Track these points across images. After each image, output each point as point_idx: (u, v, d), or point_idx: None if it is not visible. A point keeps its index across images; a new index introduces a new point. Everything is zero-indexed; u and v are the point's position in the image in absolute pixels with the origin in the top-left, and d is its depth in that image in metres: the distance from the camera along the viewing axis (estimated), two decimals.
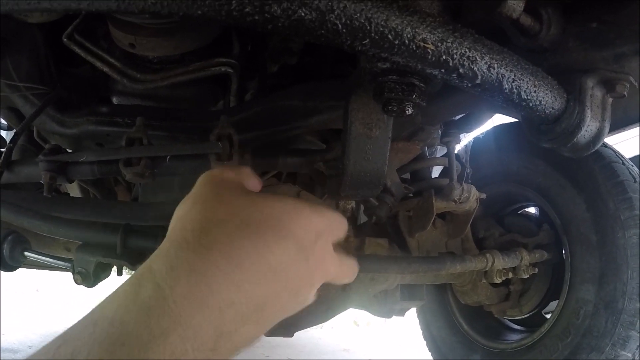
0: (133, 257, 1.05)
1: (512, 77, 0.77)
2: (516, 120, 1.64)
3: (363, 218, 1.51)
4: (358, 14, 0.53)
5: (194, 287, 0.36)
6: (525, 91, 0.80)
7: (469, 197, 1.37)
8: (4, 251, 1.27)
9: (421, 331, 2.04)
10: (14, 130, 1.83)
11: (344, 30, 0.53)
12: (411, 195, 1.43)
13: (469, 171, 1.41)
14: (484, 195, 1.44)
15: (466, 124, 1.39)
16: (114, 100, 1.31)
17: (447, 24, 0.65)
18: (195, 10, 0.50)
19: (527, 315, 1.80)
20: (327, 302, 1.27)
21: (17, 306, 2.56)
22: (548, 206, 1.64)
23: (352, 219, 1.42)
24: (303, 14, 0.50)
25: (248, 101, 1.17)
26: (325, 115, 1.07)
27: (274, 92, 1.15)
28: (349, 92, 0.84)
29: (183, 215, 0.44)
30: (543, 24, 0.89)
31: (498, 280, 1.50)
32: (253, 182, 0.54)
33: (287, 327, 1.26)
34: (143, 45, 1.11)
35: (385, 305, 1.46)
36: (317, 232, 0.47)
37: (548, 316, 1.76)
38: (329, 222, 0.50)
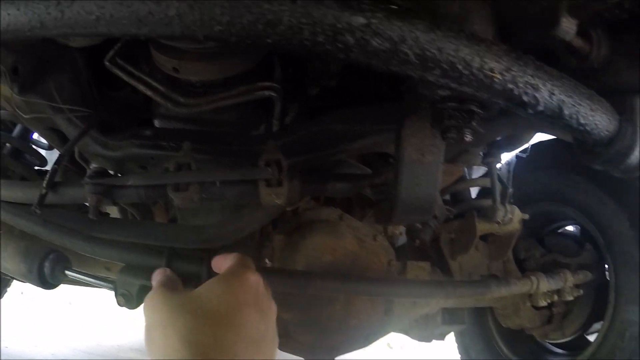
0: None
1: (572, 102, 0.75)
2: (555, 137, 1.61)
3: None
4: (429, 44, 0.52)
5: None
6: (583, 116, 0.78)
7: (512, 218, 1.34)
8: (45, 269, 1.28)
9: (459, 355, 1.99)
10: (54, 150, 1.87)
11: (416, 61, 0.52)
12: (452, 217, 1.40)
13: (511, 191, 1.38)
14: (526, 216, 1.41)
15: (508, 144, 1.37)
16: (157, 123, 1.32)
17: (511, 52, 0.64)
18: (265, 39, 0.50)
19: (569, 339, 1.75)
20: (369, 327, 1.25)
21: (50, 319, 2.58)
22: (590, 224, 1.60)
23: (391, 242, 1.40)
24: (376, 44, 0.49)
25: (293, 125, 1.17)
26: (370, 139, 1.06)
27: (316, 115, 1.15)
28: (402, 117, 0.82)
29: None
30: (593, 45, 0.87)
31: (543, 304, 1.46)
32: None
33: (329, 351, 1.24)
34: (187, 70, 1.12)
35: (426, 329, 1.43)
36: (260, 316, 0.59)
37: (591, 339, 1.72)
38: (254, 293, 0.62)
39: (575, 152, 0.98)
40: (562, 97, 0.72)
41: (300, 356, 1.27)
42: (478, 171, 1.84)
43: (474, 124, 0.70)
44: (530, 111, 0.70)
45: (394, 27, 0.49)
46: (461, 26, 0.62)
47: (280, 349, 1.26)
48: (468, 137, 0.71)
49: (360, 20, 0.48)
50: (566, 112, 0.74)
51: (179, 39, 0.55)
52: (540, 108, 0.70)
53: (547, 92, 0.69)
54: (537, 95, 0.68)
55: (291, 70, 1.25)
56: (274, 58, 1.19)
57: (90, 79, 1.38)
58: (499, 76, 0.60)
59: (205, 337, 0.51)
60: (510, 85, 0.62)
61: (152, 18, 0.55)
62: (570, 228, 1.89)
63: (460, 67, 0.55)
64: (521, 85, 0.64)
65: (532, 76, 0.66)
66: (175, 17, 0.53)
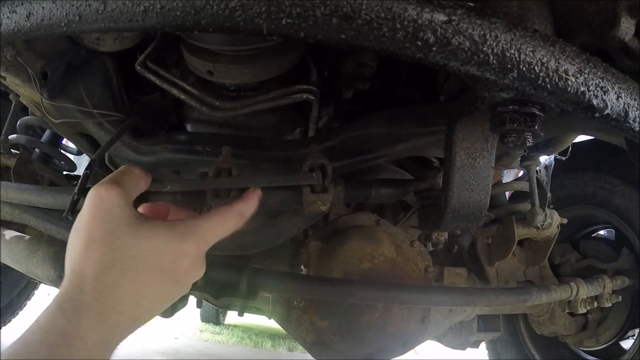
0: (214, 289, 1.02)
1: (636, 105, 0.71)
2: (591, 138, 1.57)
3: None
4: (509, 44, 0.49)
5: (92, 320, 0.53)
6: None
7: (552, 222, 1.30)
8: None
9: None
10: (83, 155, 1.87)
11: (495, 62, 0.49)
12: (487, 221, 1.36)
13: (550, 195, 1.34)
14: (565, 220, 1.37)
15: (548, 146, 1.33)
16: (189, 127, 1.30)
17: (582, 54, 0.61)
18: (339, 34, 0.47)
19: (604, 346, 1.70)
20: (406, 335, 1.22)
21: (27, 311, 2.55)
22: (627, 228, 1.55)
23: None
24: (457, 44, 0.46)
25: (333, 129, 1.14)
26: (410, 142, 1.03)
27: (351, 118, 1.12)
28: (454, 120, 0.79)
29: (78, 258, 0.57)
30: None
31: (582, 311, 1.42)
32: (138, 187, 0.67)
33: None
34: (222, 73, 1.09)
35: (460, 337, 1.40)
36: (184, 257, 0.60)
37: (625, 345, 1.67)
38: (195, 242, 0.62)
39: (629, 153, 0.95)
40: (628, 100, 0.69)
41: None
42: (509, 174, 1.80)
43: (536, 127, 0.67)
44: (597, 115, 0.67)
45: (475, 25, 0.47)
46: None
47: (315, 358, 1.23)
48: (530, 142, 0.68)
49: (441, 17, 0.45)
50: (631, 115, 0.71)
51: (239, 33, 0.50)
52: (607, 111, 0.67)
53: (614, 95, 0.66)
54: (605, 98, 0.65)
55: (326, 73, 1.23)
56: (309, 61, 1.16)
57: (121, 84, 1.37)
58: (572, 78, 0.57)
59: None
60: (582, 88, 0.59)
61: (210, 10, 0.51)
62: (601, 232, 1.84)
63: (536, 69, 0.52)
64: (592, 88, 0.61)
65: (601, 79, 0.63)
66: (237, 9, 0.49)
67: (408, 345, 1.24)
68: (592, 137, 1.54)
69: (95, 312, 0.54)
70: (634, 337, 1.63)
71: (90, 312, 0.54)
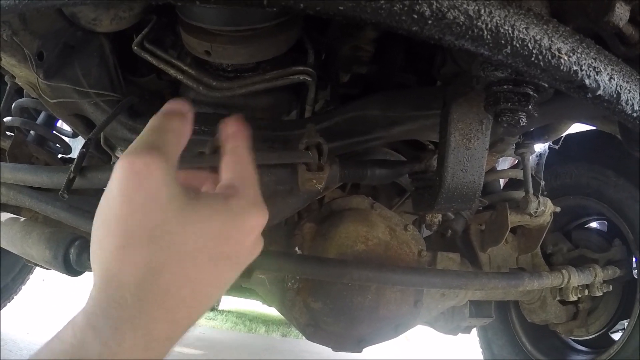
0: None
1: (628, 88, 0.73)
2: (586, 129, 1.58)
3: None
4: (502, 20, 0.50)
5: (138, 340, 0.40)
6: (637, 102, 0.76)
7: (545, 210, 1.32)
8: (71, 256, 1.27)
9: (481, 349, 1.96)
10: (78, 138, 1.86)
11: (489, 37, 0.50)
12: (481, 208, 1.38)
13: (543, 183, 1.35)
14: (558, 209, 1.38)
15: (542, 134, 1.34)
16: None
17: (575, 34, 0.61)
18: (337, 6, 0.47)
19: (593, 336, 1.72)
20: (399, 318, 1.23)
21: (23, 297, 2.54)
22: (620, 220, 1.57)
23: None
24: (452, 17, 0.47)
25: (329, 110, 1.15)
26: (406, 125, 1.03)
27: (347, 101, 1.12)
28: (449, 101, 0.80)
29: (113, 261, 0.42)
30: None
31: (573, 298, 1.44)
32: (181, 142, 0.51)
33: (357, 343, 1.23)
34: (219, 53, 1.10)
35: (452, 322, 1.41)
36: (250, 233, 0.48)
37: (614, 337, 1.69)
38: (260, 210, 0.50)
39: (622, 140, 0.96)
40: (620, 82, 0.70)
41: (329, 347, 1.26)
42: (504, 163, 1.81)
43: (529, 107, 0.68)
44: (589, 95, 0.67)
45: (469, 0, 0.47)
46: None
47: (309, 339, 1.24)
48: (523, 121, 0.69)
49: None
50: (623, 97, 0.72)
51: (239, 5, 0.50)
52: (600, 92, 0.67)
53: (607, 76, 0.67)
54: (598, 78, 0.65)
55: (323, 56, 1.23)
56: (307, 43, 1.17)
57: (117, 65, 1.37)
58: (565, 57, 0.58)
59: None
60: (575, 67, 0.60)
61: None
62: (593, 224, 1.86)
63: (529, 45, 0.53)
64: (585, 67, 0.62)
65: (594, 59, 0.64)
66: None
67: (400, 328, 1.26)
68: (586, 129, 1.55)
69: (142, 330, 0.40)
70: (623, 329, 1.65)
71: (137, 331, 0.40)
